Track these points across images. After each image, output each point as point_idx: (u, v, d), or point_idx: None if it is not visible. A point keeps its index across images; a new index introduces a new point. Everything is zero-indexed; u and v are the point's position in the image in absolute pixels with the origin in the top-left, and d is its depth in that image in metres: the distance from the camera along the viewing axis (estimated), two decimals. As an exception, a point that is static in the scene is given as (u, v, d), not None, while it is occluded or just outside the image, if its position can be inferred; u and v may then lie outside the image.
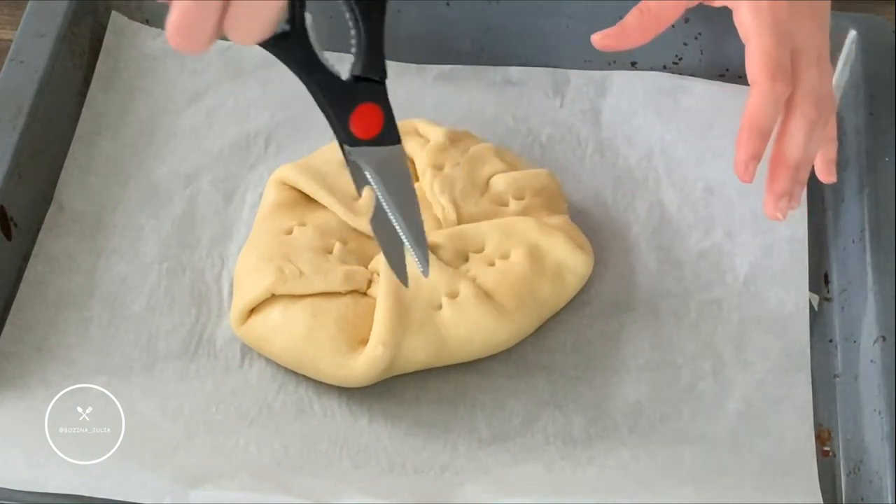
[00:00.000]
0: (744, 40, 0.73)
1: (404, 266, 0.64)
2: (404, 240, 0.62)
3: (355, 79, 0.60)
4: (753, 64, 0.72)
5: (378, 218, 0.62)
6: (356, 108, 0.60)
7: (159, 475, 0.64)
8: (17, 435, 0.66)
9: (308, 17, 0.58)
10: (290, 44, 0.58)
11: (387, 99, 0.61)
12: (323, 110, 0.61)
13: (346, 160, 0.62)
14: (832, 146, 0.76)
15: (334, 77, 0.60)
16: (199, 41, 0.54)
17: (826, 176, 0.76)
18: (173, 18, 0.53)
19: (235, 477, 0.65)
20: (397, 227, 0.62)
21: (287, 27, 0.57)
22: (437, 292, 0.70)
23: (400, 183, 0.62)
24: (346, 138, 0.61)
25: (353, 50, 0.60)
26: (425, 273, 0.63)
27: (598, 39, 0.78)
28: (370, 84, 0.60)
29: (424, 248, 0.63)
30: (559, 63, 0.85)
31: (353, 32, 0.60)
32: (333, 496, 0.65)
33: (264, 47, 0.58)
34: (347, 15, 0.60)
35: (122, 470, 0.65)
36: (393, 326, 0.68)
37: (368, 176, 0.61)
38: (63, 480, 0.64)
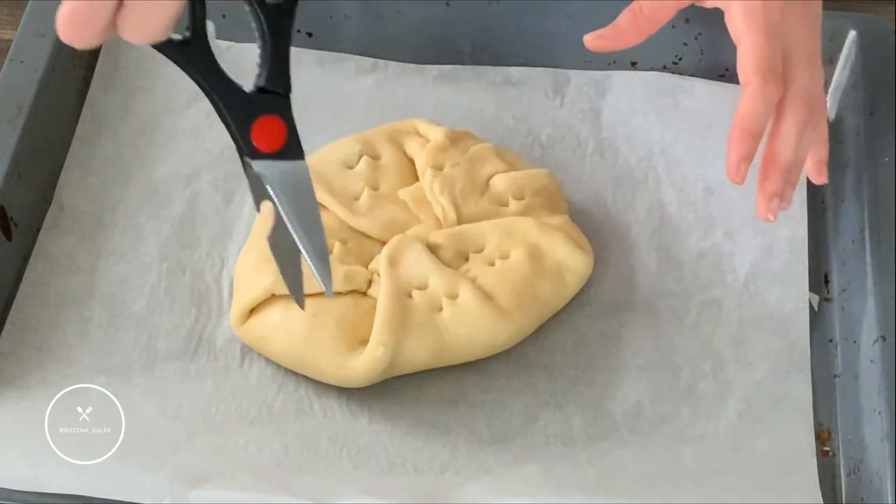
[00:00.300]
0: (735, 41, 0.73)
1: (300, 286, 0.62)
2: (305, 256, 0.60)
3: (259, 90, 0.59)
4: (745, 64, 0.72)
5: (277, 234, 0.61)
6: (257, 120, 0.59)
7: (159, 475, 0.64)
8: (17, 435, 0.66)
9: (210, 25, 0.57)
10: (189, 51, 0.57)
11: (290, 112, 0.60)
12: (224, 121, 0.59)
13: (247, 173, 0.60)
14: (823, 147, 0.76)
15: (236, 88, 0.59)
16: (90, 36, 0.53)
17: (817, 177, 0.76)
18: (63, 11, 0.52)
19: (235, 477, 0.65)
20: (298, 243, 0.60)
21: (188, 34, 0.56)
22: (437, 293, 0.70)
23: (302, 198, 0.60)
24: (248, 150, 0.59)
25: (258, 61, 0.60)
26: (328, 292, 0.61)
27: (591, 40, 0.78)
28: (274, 96, 0.60)
29: (327, 266, 0.61)
30: (559, 63, 0.85)
31: (259, 43, 0.60)
32: (333, 496, 0.65)
33: (162, 52, 0.57)
34: (254, 25, 0.59)
35: (121, 470, 0.65)
36: (393, 327, 0.68)
37: (270, 190, 0.60)
38: (63, 480, 0.64)
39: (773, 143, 0.73)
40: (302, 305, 0.63)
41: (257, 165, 0.60)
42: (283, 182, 0.60)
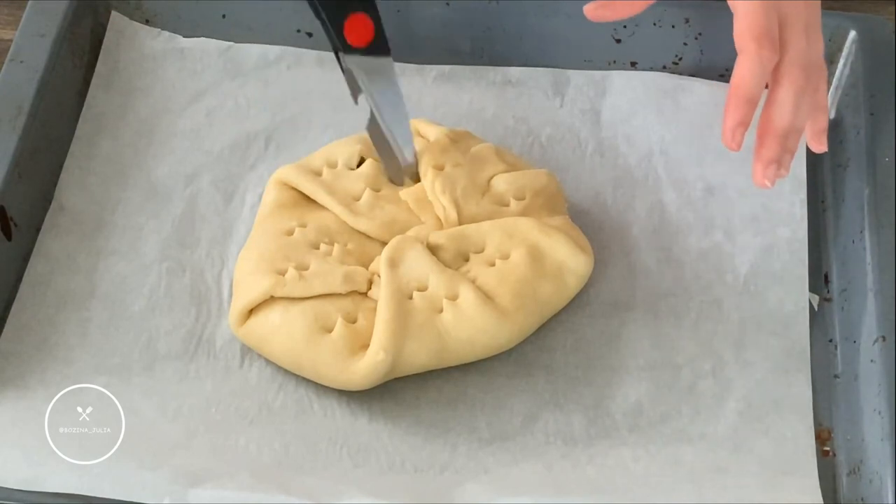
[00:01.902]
0: (732, 10, 0.73)
1: (399, 171, 0.72)
2: (393, 145, 0.69)
3: None
4: (740, 31, 0.72)
5: (372, 124, 0.69)
6: (349, 17, 0.66)
7: (159, 475, 0.64)
8: (17, 435, 0.66)
9: None
10: None
11: (376, 10, 0.67)
12: (319, 17, 0.66)
13: (342, 67, 0.68)
14: (823, 115, 0.75)
15: None
16: None
17: (816, 145, 0.75)
18: None
19: (235, 477, 0.65)
20: (387, 134, 0.69)
21: None
22: (437, 295, 0.70)
23: (390, 91, 0.69)
24: (342, 45, 0.67)
25: None
26: (415, 177, 0.72)
27: (591, 10, 0.78)
28: None
29: (413, 153, 0.72)
30: (559, 63, 0.85)
31: None
32: (333, 496, 0.65)
33: None
34: None
35: (121, 470, 0.65)
36: (394, 331, 0.68)
37: (361, 84, 0.67)
38: (63, 480, 0.64)
39: (769, 109, 0.72)
40: (399, 182, 0.74)
41: (350, 60, 0.68)
42: (373, 77, 0.68)
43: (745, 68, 0.71)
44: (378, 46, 0.68)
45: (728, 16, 0.79)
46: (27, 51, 0.79)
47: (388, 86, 0.70)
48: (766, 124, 0.73)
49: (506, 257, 0.72)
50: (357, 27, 0.67)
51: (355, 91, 0.69)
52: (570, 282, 0.73)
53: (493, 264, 0.72)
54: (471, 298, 0.70)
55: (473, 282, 0.71)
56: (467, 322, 0.69)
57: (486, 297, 0.70)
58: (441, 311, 0.70)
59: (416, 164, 0.73)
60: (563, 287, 0.73)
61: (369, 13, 0.68)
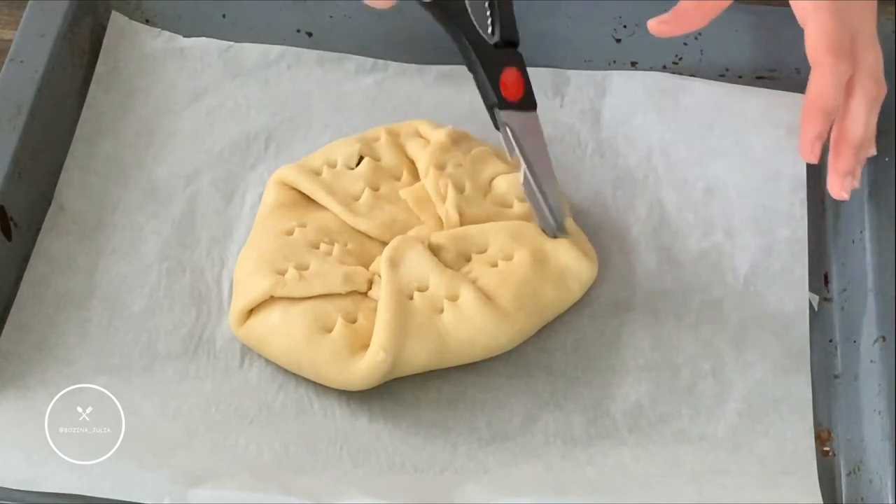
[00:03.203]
0: (801, 23, 0.73)
1: (551, 223, 0.71)
2: (541, 205, 0.69)
3: (494, 45, 0.66)
4: (815, 44, 0.72)
5: (525, 181, 0.69)
6: (503, 72, 0.66)
7: (159, 475, 0.64)
8: (17, 435, 0.66)
9: None
10: (450, 5, 0.64)
11: (524, 65, 0.67)
12: (475, 73, 0.66)
13: (496, 124, 0.67)
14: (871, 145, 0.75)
15: (484, 41, 0.65)
16: None
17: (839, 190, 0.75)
18: None
19: (235, 477, 0.65)
20: (536, 190, 0.68)
21: None
22: (438, 295, 0.70)
23: (540, 148, 0.68)
24: (498, 101, 0.67)
25: (489, 20, 0.65)
26: (560, 228, 0.71)
27: (655, 25, 0.77)
28: (509, 50, 0.66)
29: (561, 213, 0.71)
30: (559, 63, 0.85)
31: (486, 3, 0.65)
32: (333, 496, 0.65)
33: (427, 9, 0.64)
34: None
35: (121, 470, 0.65)
36: (394, 332, 0.68)
37: (513, 140, 0.67)
38: (63, 480, 0.64)
39: (845, 121, 0.73)
40: (552, 234, 0.72)
41: (504, 116, 0.67)
42: (524, 132, 0.68)
43: (822, 82, 0.71)
44: (527, 100, 0.68)
45: (728, 16, 0.79)
46: (27, 51, 0.79)
47: (538, 141, 0.69)
48: (841, 136, 0.73)
49: (509, 259, 0.72)
50: (510, 81, 0.67)
51: (510, 147, 0.68)
52: (573, 286, 0.73)
53: (494, 265, 0.72)
54: (471, 299, 0.70)
55: (474, 282, 0.70)
56: (467, 322, 0.69)
57: (486, 297, 0.70)
58: (441, 311, 0.70)
59: (563, 218, 0.72)
60: (565, 291, 0.73)
61: (520, 68, 0.68)
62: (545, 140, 0.70)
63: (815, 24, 0.72)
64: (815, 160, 0.72)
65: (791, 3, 0.74)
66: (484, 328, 0.69)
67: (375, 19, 0.85)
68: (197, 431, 0.68)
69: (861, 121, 0.72)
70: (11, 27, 0.83)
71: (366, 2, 0.64)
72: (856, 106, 0.72)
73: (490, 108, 0.68)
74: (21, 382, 0.69)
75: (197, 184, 0.78)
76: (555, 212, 0.70)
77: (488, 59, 0.66)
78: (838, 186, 0.73)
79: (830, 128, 0.73)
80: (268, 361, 0.71)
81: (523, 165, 0.69)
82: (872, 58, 0.73)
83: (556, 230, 0.72)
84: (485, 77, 0.66)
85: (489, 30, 0.66)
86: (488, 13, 0.65)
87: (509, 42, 0.67)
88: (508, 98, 0.67)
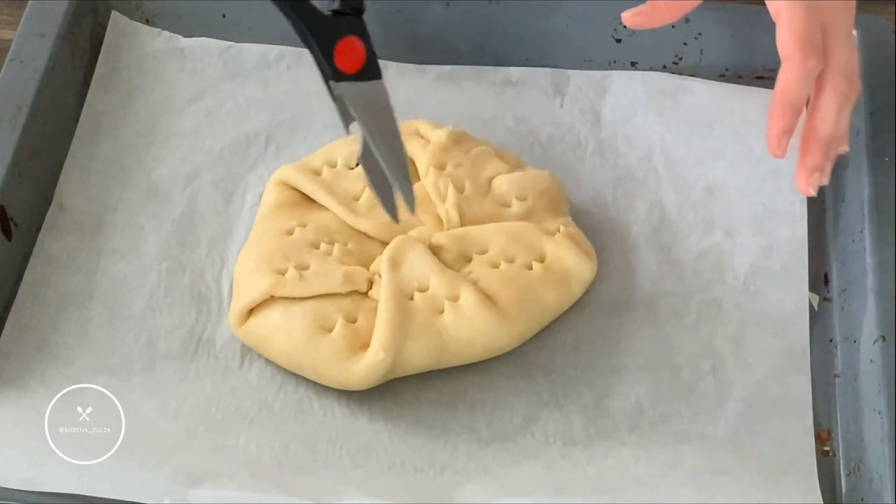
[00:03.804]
0: (774, 17, 0.73)
1: (394, 204, 0.65)
2: (389, 176, 0.63)
3: (335, 13, 0.61)
4: (785, 39, 0.72)
5: (366, 153, 0.63)
6: (340, 42, 0.62)
7: (159, 475, 0.64)
8: (17, 435, 0.66)
9: None
10: None
11: (367, 32, 0.62)
12: (308, 45, 0.62)
13: (332, 96, 0.62)
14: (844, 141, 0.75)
15: (318, 13, 0.61)
16: None
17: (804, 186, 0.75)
18: None
19: (235, 476, 0.65)
20: (381, 162, 0.62)
21: None
22: (439, 296, 0.70)
23: (383, 118, 0.63)
24: (332, 73, 0.62)
25: None
26: (411, 210, 0.63)
27: (629, 17, 0.78)
28: (350, 18, 0.62)
29: (409, 185, 0.63)
30: (559, 63, 0.85)
31: None
32: (333, 496, 0.65)
33: None
34: None
35: (121, 470, 0.65)
36: (394, 332, 0.68)
37: (353, 111, 0.62)
38: (63, 480, 0.64)
39: (814, 117, 0.73)
40: (395, 219, 0.66)
41: (341, 88, 0.62)
42: (364, 102, 0.62)
43: (791, 77, 0.71)
44: (369, 70, 0.63)
45: (728, 16, 0.79)
46: (27, 51, 0.79)
47: (382, 111, 0.64)
48: (810, 132, 0.73)
49: (510, 260, 0.72)
50: (348, 52, 0.62)
51: (348, 119, 0.63)
52: (574, 287, 0.73)
53: (496, 266, 0.72)
54: (472, 300, 0.70)
55: (475, 283, 0.70)
56: (468, 323, 0.69)
57: (487, 298, 0.70)
58: (442, 312, 0.70)
59: (413, 196, 0.65)
60: (566, 292, 0.73)
61: (360, 35, 0.63)
62: (393, 110, 0.64)
63: (786, 19, 0.72)
64: (782, 155, 0.72)
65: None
66: (484, 329, 0.69)
67: (375, 19, 0.84)
68: (197, 431, 0.68)
69: (830, 117, 0.72)
70: (11, 27, 0.83)
71: None
72: (825, 102, 0.72)
73: (325, 81, 0.63)
74: (21, 382, 0.69)
75: (197, 184, 0.78)
76: (403, 188, 0.64)
77: (322, 29, 0.61)
78: (805, 182, 0.73)
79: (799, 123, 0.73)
80: (268, 361, 0.71)
81: (362, 139, 0.64)
82: (846, 55, 0.73)
83: (395, 214, 0.66)
84: (317, 49, 0.62)
85: None
86: None
87: (353, 9, 0.62)
88: (345, 69, 0.62)
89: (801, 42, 0.71)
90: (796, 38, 0.71)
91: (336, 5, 0.61)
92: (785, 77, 0.71)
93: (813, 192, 0.74)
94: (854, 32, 0.75)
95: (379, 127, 0.63)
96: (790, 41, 0.71)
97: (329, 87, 0.62)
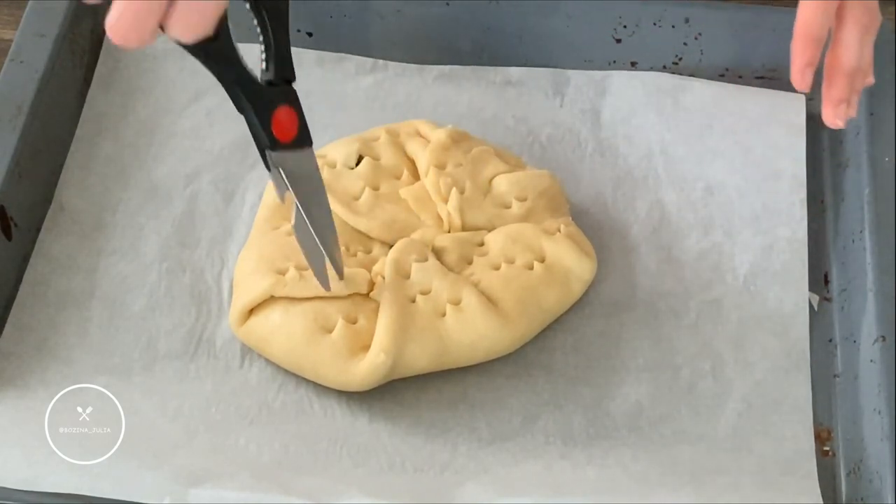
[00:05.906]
0: None
1: (325, 271, 0.67)
2: (319, 244, 0.65)
3: (269, 84, 0.62)
4: None
5: (299, 223, 0.65)
6: (276, 111, 0.62)
7: (159, 475, 0.64)
8: (17, 435, 0.66)
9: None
10: (213, 49, 0.59)
11: (299, 101, 0.63)
12: (245, 114, 0.62)
13: (268, 165, 0.63)
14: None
15: (255, 80, 0.61)
16: (142, 37, 0.55)
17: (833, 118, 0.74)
18: (114, 13, 0.54)
19: (235, 476, 0.65)
20: (313, 233, 0.65)
21: (212, 30, 0.58)
22: (441, 299, 0.70)
23: (315, 186, 0.65)
24: (269, 142, 0.63)
25: (263, 56, 0.62)
26: (340, 277, 0.68)
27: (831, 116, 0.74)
28: (284, 87, 0.62)
29: (338, 253, 0.67)
30: (559, 63, 0.85)
31: (261, 39, 0.62)
32: (333, 496, 0.65)
33: (189, 51, 0.59)
34: (255, 21, 0.61)
35: (121, 469, 0.65)
36: (395, 334, 0.68)
37: (286, 180, 0.63)
38: (63, 480, 0.64)
39: (836, 49, 0.72)
40: (327, 288, 0.68)
41: (277, 157, 0.63)
42: (298, 171, 0.64)
43: (810, 9, 0.71)
44: (301, 139, 0.64)
45: (728, 16, 0.79)
46: (27, 51, 0.79)
47: (314, 180, 0.65)
48: (833, 64, 0.72)
49: (511, 262, 0.72)
50: (284, 121, 0.63)
51: (282, 189, 0.64)
52: (574, 287, 0.73)
53: (497, 268, 0.72)
54: (474, 303, 0.69)
55: (477, 285, 0.70)
56: (469, 327, 0.69)
57: (489, 301, 0.70)
58: (444, 314, 0.70)
59: (341, 264, 0.68)
60: (567, 293, 0.73)
61: (293, 105, 0.63)
62: (322, 178, 0.66)
63: None
64: (806, 88, 0.72)
65: None
66: (486, 333, 0.69)
67: (376, 19, 0.85)
68: (197, 431, 0.68)
69: (853, 48, 0.72)
70: (11, 27, 0.83)
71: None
72: (847, 34, 0.72)
73: (262, 151, 0.64)
74: (21, 382, 0.69)
75: (197, 184, 0.78)
76: (332, 256, 0.67)
77: (260, 99, 0.62)
78: (832, 115, 0.73)
79: (824, 57, 0.72)
80: (268, 361, 0.71)
81: (294, 207, 0.65)
82: None
83: (326, 282, 0.68)
84: (255, 119, 0.62)
85: (263, 65, 0.62)
86: (262, 49, 0.62)
87: (285, 80, 0.63)
88: (281, 138, 0.63)
89: None
90: None
91: (270, 76, 0.62)
92: (804, 11, 0.71)
93: (842, 124, 0.73)
94: None
95: (311, 195, 0.65)
96: None
97: (264, 157, 0.63)
